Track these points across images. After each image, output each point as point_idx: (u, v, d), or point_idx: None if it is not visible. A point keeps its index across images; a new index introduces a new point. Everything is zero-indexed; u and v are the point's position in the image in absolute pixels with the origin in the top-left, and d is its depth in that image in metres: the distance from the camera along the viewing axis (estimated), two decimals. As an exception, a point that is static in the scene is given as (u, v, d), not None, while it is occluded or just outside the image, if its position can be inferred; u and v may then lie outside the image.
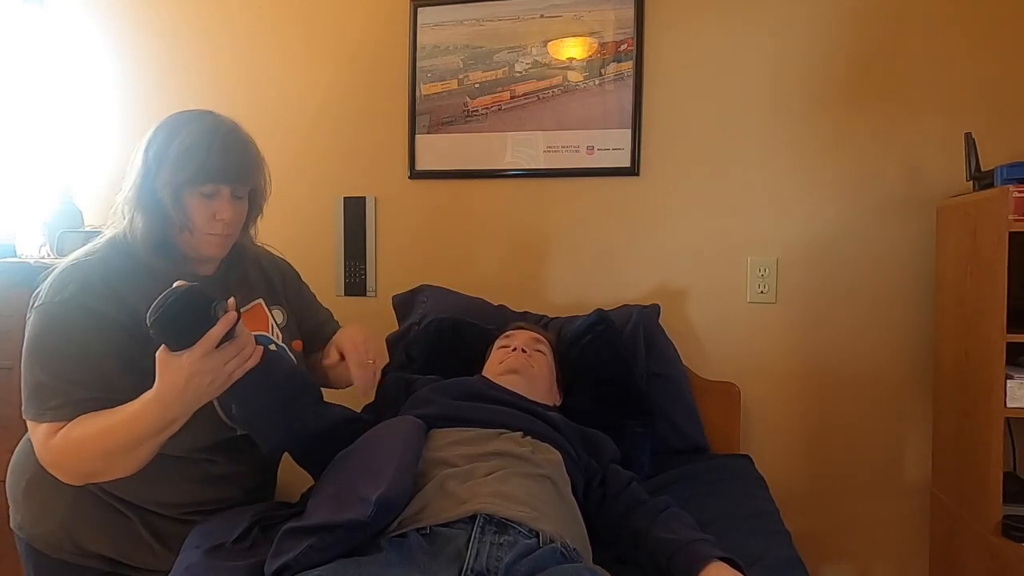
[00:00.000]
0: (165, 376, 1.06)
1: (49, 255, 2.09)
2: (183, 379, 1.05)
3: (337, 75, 2.18)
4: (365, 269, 2.18)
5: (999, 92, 1.76)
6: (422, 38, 2.10)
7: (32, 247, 2.21)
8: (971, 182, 1.64)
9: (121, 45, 2.34)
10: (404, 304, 1.95)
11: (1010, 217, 1.41)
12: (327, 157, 2.20)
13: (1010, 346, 1.44)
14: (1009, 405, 1.45)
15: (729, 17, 1.91)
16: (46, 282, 1.18)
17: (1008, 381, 1.45)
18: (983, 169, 1.60)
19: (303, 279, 1.56)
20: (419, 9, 2.09)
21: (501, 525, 1.01)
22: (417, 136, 2.12)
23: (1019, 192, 1.40)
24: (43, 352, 1.13)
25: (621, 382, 1.63)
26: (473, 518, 1.01)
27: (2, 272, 1.88)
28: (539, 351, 1.58)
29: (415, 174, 2.13)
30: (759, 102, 1.90)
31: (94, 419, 1.10)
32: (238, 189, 1.23)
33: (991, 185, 1.53)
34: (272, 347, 1.32)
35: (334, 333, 1.47)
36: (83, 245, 2.03)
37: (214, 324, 1.04)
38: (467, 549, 0.96)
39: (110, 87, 2.35)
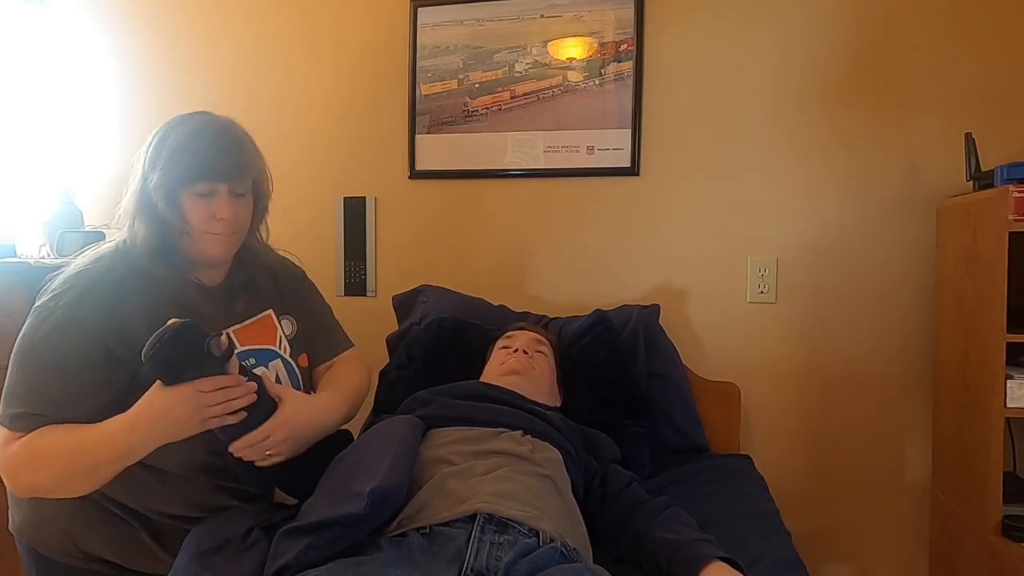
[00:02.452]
0: (145, 400, 1.05)
1: (49, 255, 2.09)
2: (161, 408, 1.04)
3: (337, 75, 2.18)
4: (365, 269, 2.18)
5: (999, 92, 1.76)
6: (422, 38, 2.10)
7: (32, 247, 2.21)
8: (971, 182, 1.64)
9: (121, 45, 2.34)
10: (404, 304, 1.95)
11: (1010, 217, 1.41)
12: (327, 157, 2.20)
13: (1010, 346, 1.44)
14: (1009, 405, 1.45)
15: (729, 17, 1.91)
16: (52, 284, 1.16)
17: (1008, 381, 1.45)
18: (983, 169, 1.61)
19: (319, 291, 1.50)
20: (419, 9, 2.09)
21: (501, 524, 1.01)
22: (417, 136, 2.12)
23: (1019, 192, 1.40)
24: (25, 355, 1.11)
25: (621, 382, 1.63)
26: (473, 517, 1.01)
27: (2, 272, 1.88)
28: (540, 352, 1.58)
29: (415, 174, 2.13)
30: (759, 102, 1.90)
31: (59, 434, 1.07)
32: (236, 186, 1.20)
33: (991, 185, 1.53)
34: (277, 361, 1.29)
35: (334, 346, 1.45)
36: (83, 245, 2.05)
37: (208, 359, 1.05)
38: (467, 548, 0.96)
39: (110, 87, 2.35)
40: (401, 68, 2.12)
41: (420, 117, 2.11)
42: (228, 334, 1.17)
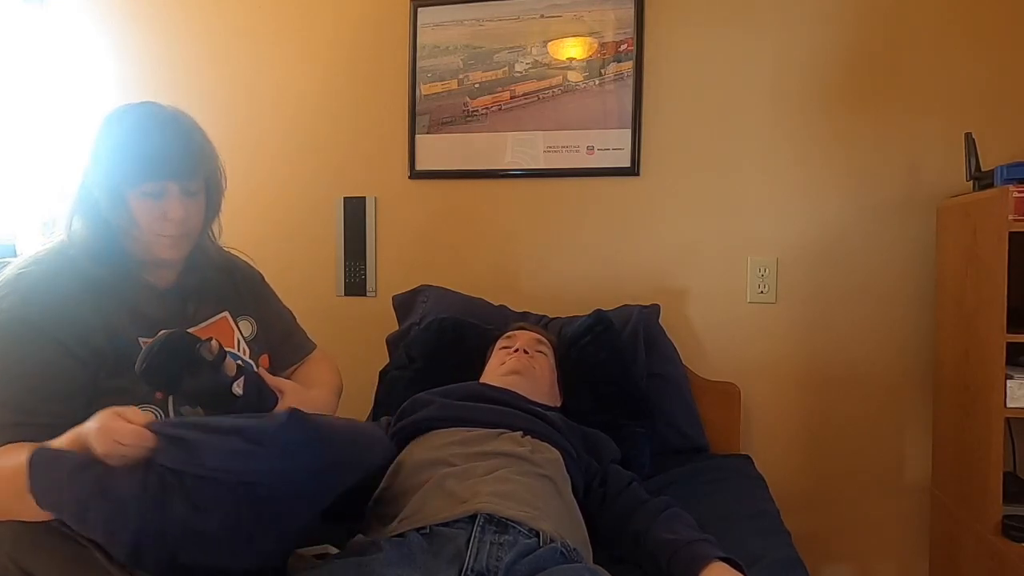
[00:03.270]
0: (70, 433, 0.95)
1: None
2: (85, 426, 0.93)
3: (337, 75, 2.18)
4: (365, 269, 2.18)
5: (999, 92, 1.76)
6: (422, 38, 2.10)
7: (32, 247, 2.21)
8: (971, 182, 1.64)
9: (121, 45, 2.34)
10: (404, 304, 1.95)
11: (1010, 217, 1.41)
12: (327, 157, 2.21)
13: (1010, 346, 1.44)
14: (1009, 405, 1.45)
15: (729, 17, 1.91)
16: None
17: (1008, 381, 1.45)
18: (983, 169, 1.61)
19: (269, 285, 1.46)
20: (419, 9, 2.09)
21: (501, 524, 1.01)
22: (417, 136, 2.12)
23: (1019, 192, 1.40)
24: None
25: (620, 383, 1.63)
26: (473, 518, 1.01)
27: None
28: (541, 352, 1.58)
29: (415, 174, 2.13)
30: (759, 102, 1.90)
31: (16, 454, 0.95)
32: (188, 185, 1.12)
33: (991, 185, 1.53)
34: (239, 363, 1.21)
35: (301, 347, 1.43)
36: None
37: (202, 364, 1.04)
38: (467, 549, 0.96)
39: (110, 87, 2.35)
40: (401, 68, 2.12)
41: (420, 117, 2.11)
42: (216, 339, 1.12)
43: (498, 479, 1.11)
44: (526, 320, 1.85)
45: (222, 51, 2.26)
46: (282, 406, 1.14)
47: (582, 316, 1.75)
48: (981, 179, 1.60)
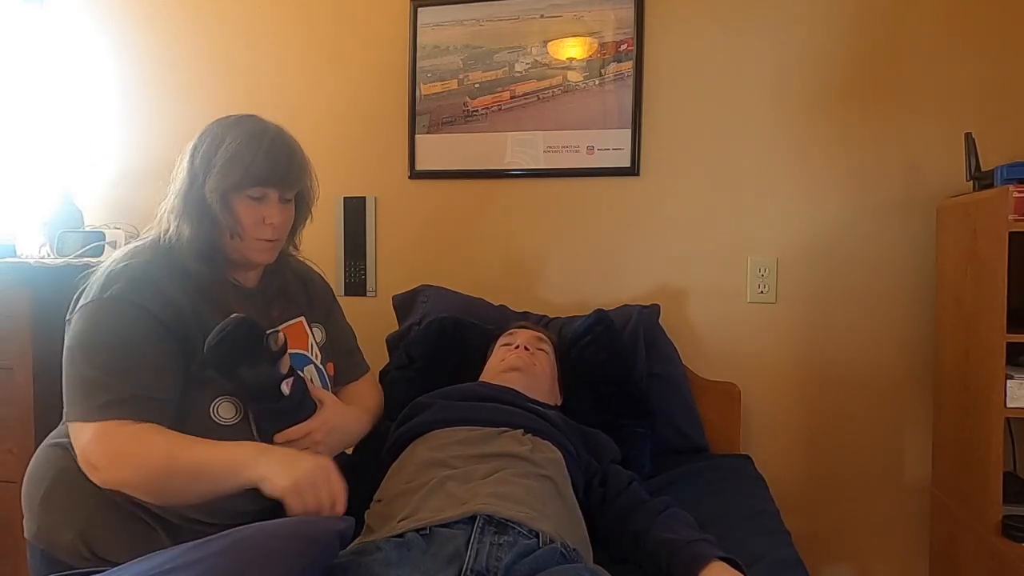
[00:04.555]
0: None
1: (49, 255, 2.10)
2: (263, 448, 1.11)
3: (337, 75, 2.18)
4: (365, 269, 2.18)
5: (999, 92, 1.76)
6: (422, 38, 2.10)
7: (32, 247, 2.21)
8: (971, 182, 1.64)
9: (121, 45, 2.34)
10: (404, 304, 1.95)
11: (1010, 217, 1.41)
12: (327, 157, 2.18)
13: (1010, 346, 1.44)
14: (1009, 405, 1.45)
15: (729, 17, 1.91)
16: (91, 281, 1.17)
17: (1008, 381, 1.45)
18: (983, 169, 1.60)
19: (338, 300, 1.53)
20: (419, 9, 2.09)
21: (501, 525, 1.01)
22: (417, 136, 2.12)
23: (1019, 192, 1.40)
24: (90, 347, 1.10)
25: (621, 382, 1.63)
26: (473, 518, 1.01)
27: (2, 272, 1.88)
28: (542, 350, 1.58)
29: (415, 174, 2.13)
30: (759, 102, 1.90)
31: (168, 438, 1.08)
32: (286, 192, 1.23)
33: (991, 185, 1.53)
34: (311, 367, 1.30)
35: (359, 367, 1.49)
36: (83, 245, 2.07)
37: (264, 353, 1.12)
38: (467, 549, 0.96)
39: (110, 87, 2.35)
40: (401, 68, 2.12)
41: (420, 117, 2.11)
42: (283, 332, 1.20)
43: (498, 480, 1.11)
44: (526, 320, 1.85)
45: (222, 51, 2.26)
46: (319, 418, 1.22)
47: (582, 316, 1.75)
48: (981, 179, 1.60)
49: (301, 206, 1.31)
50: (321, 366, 1.34)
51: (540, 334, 1.64)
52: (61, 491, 1.17)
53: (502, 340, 1.62)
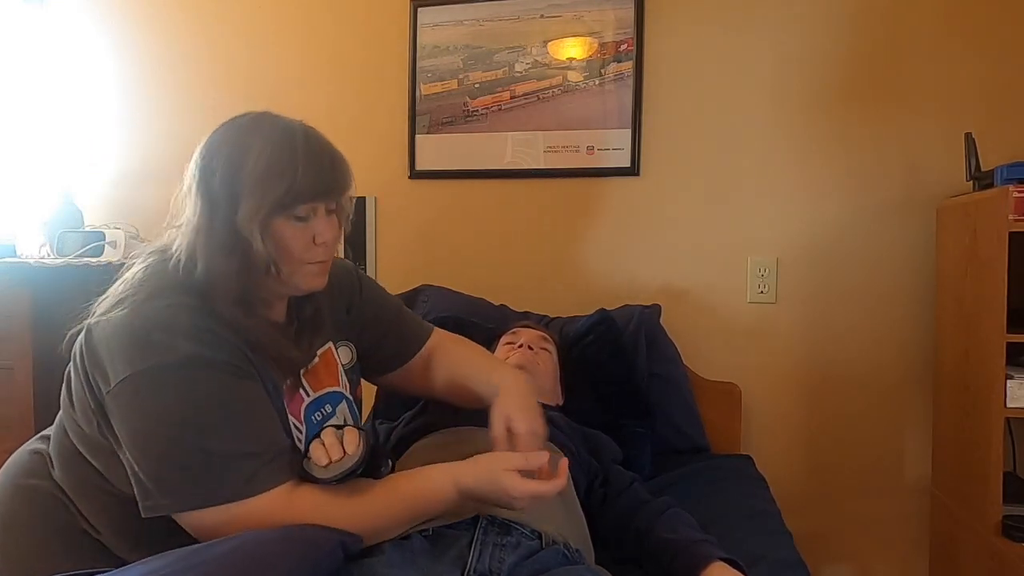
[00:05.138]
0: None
1: (49, 255, 2.09)
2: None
3: (337, 75, 2.18)
4: (365, 269, 2.18)
5: (999, 92, 1.76)
6: (422, 38, 2.10)
7: (32, 247, 2.21)
8: (971, 182, 1.64)
9: (121, 45, 2.34)
10: (405, 304, 1.94)
11: (1010, 217, 1.41)
12: (327, 157, 2.20)
13: (1010, 346, 1.44)
14: (1009, 405, 1.45)
15: (729, 17, 1.91)
16: (129, 354, 0.90)
17: (1008, 381, 1.45)
18: (983, 169, 1.61)
19: (364, 275, 1.28)
20: (419, 9, 2.09)
21: (504, 526, 1.01)
22: (417, 136, 2.12)
23: (1019, 192, 1.40)
24: (198, 418, 0.90)
25: (622, 382, 1.64)
26: (476, 520, 1.01)
27: (2, 272, 1.88)
28: (545, 349, 1.58)
29: (415, 174, 2.13)
30: (759, 102, 1.90)
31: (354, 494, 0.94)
32: (333, 202, 1.00)
33: (991, 185, 1.53)
34: (343, 404, 1.14)
35: (423, 333, 1.27)
36: (83, 245, 2.06)
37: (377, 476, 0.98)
38: (469, 550, 0.96)
39: (110, 87, 2.35)
40: (401, 68, 2.12)
41: (420, 117, 2.11)
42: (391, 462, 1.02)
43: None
44: (527, 319, 1.85)
45: (222, 51, 2.26)
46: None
47: (583, 316, 1.75)
48: (981, 179, 1.60)
49: (342, 212, 1.05)
50: (351, 396, 1.17)
51: (544, 334, 1.64)
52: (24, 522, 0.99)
53: (505, 338, 1.62)
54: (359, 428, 0.99)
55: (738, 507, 1.42)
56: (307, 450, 0.98)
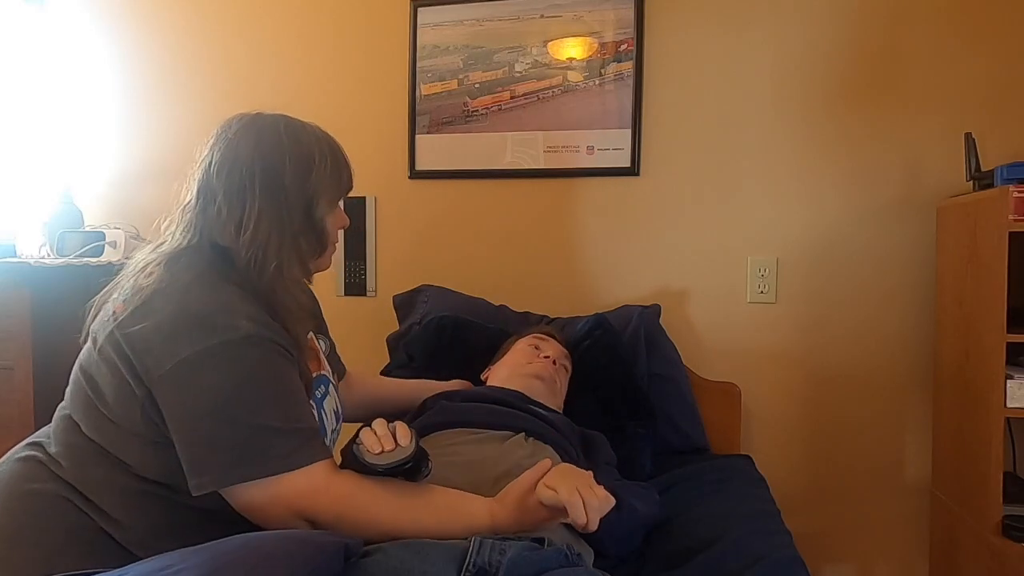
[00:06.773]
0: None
1: (49, 255, 2.10)
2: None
3: (337, 75, 2.18)
4: (365, 269, 2.18)
5: (999, 92, 1.76)
6: (422, 38, 2.10)
7: (32, 247, 2.21)
8: (971, 182, 1.64)
9: (121, 45, 2.34)
10: (404, 304, 1.95)
11: (1010, 217, 1.41)
12: (327, 157, 2.20)
13: (1010, 346, 1.44)
14: (1009, 405, 1.45)
15: (729, 17, 1.91)
16: (193, 331, 0.95)
17: (1008, 381, 1.45)
18: (983, 169, 1.61)
19: None
20: (419, 9, 2.09)
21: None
22: (417, 136, 2.12)
23: (1019, 192, 1.40)
24: (257, 400, 0.95)
25: (621, 385, 1.63)
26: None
27: (2, 272, 1.88)
28: (565, 367, 1.58)
29: (415, 174, 2.13)
30: (759, 102, 1.90)
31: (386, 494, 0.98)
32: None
33: (991, 185, 1.53)
34: (331, 388, 1.20)
35: (338, 360, 1.40)
36: (83, 245, 2.07)
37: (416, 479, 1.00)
38: (469, 545, 0.96)
39: (110, 87, 2.35)
40: (401, 68, 2.12)
41: (420, 117, 2.11)
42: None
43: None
44: (527, 320, 1.85)
45: (222, 51, 2.26)
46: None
47: (583, 316, 1.75)
48: (981, 179, 1.60)
49: None
50: (332, 380, 1.24)
51: (566, 351, 1.63)
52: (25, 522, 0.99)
53: (530, 341, 1.60)
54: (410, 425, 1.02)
55: (738, 507, 1.41)
56: (357, 435, 1.00)
